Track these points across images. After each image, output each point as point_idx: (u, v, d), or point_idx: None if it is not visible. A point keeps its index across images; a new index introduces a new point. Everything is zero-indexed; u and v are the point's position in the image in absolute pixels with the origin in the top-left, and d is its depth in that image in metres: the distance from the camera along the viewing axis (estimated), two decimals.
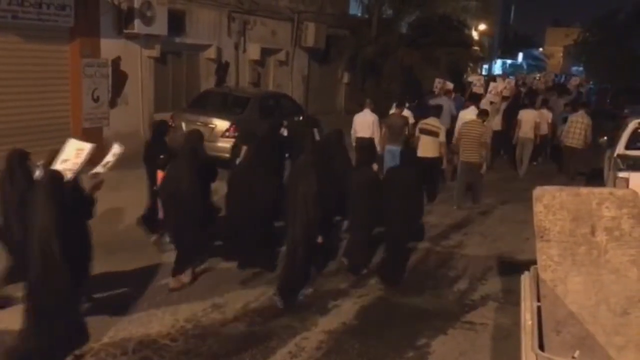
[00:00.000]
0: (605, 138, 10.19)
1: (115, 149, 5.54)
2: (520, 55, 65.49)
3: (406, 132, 9.98)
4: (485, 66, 40.77)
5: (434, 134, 9.40)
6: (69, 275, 4.42)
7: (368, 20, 18.89)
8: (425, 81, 17.99)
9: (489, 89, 14.85)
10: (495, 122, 12.17)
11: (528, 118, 12.29)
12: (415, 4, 19.02)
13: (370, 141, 9.02)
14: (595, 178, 10.60)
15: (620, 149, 8.99)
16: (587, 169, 11.84)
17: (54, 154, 5.09)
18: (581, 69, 49.00)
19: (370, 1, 18.97)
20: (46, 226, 4.33)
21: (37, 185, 4.72)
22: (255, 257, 6.51)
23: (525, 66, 61.52)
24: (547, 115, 13.15)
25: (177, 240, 6.13)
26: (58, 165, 4.99)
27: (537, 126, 12.32)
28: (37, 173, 5.25)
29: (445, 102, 12.73)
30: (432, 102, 12.94)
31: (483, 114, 9.97)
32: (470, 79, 18.36)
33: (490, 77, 22.62)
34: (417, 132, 9.74)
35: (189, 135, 6.94)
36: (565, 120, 12.52)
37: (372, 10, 18.91)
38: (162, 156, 6.56)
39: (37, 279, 4.36)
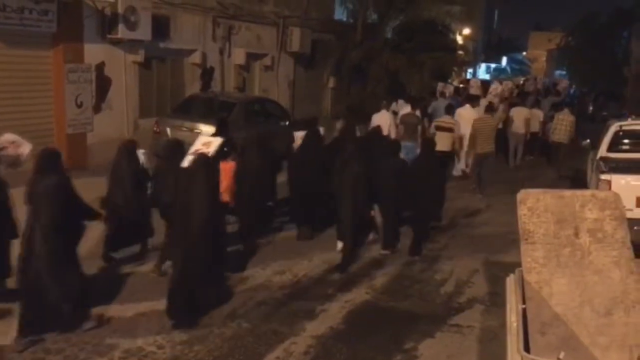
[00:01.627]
0: (588, 141, 10.31)
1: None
2: (505, 59, 66.12)
3: (419, 130, 11.33)
4: (470, 70, 41.12)
5: (448, 129, 10.76)
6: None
7: (353, 25, 18.97)
8: (410, 85, 18.12)
9: (489, 91, 16.91)
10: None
11: (519, 115, 13.57)
12: (399, 8, 19.12)
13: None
14: (578, 180, 10.73)
15: (602, 151, 9.09)
16: (572, 166, 12.24)
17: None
18: (564, 72, 49.64)
19: (355, 6, 19.05)
20: (204, 206, 5.37)
21: (193, 169, 5.63)
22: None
23: (509, 70, 62.09)
24: (538, 114, 14.41)
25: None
26: (190, 155, 6.10)
27: (527, 123, 13.56)
28: (142, 159, 6.70)
29: (443, 103, 13.71)
30: (434, 103, 14.26)
31: (490, 110, 12.03)
32: (471, 83, 19.97)
33: (484, 81, 24.51)
34: (432, 129, 11.17)
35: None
36: (552, 118, 13.87)
37: (357, 15, 18.99)
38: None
39: (192, 251, 5.34)
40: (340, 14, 20.15)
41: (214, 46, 14.34)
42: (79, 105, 10.75)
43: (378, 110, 12.04)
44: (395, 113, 12.42)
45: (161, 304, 5.43)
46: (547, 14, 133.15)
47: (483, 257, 7.63)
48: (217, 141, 6.51)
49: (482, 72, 54.91)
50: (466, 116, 11.64)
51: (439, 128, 10.93)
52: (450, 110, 11.68)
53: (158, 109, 12.78)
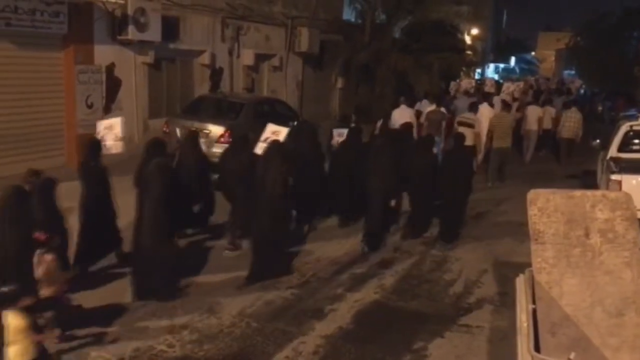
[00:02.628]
0: (598, 141, 10.25)
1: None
2: (513, 60, 65.87)
3: (443, 125, 12.15)
4: (478, 70, 41.01)
5: (470, 125, 11.47)
6: None
7: (361, 26, 18.95)
8: (418, 86, 18.08)
9: (502, 89, 18.57)
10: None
11: (532, 113, 14.23)
12: (408, 9, 19.06)
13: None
14: (588, 180, 10.67)
15: (612, 151, 9.04)
16: (581, 165, 12.35)
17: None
18: (573, 72, 49.36)
19: (364, 6, 19.03)
20: (279, 186, 6.28)
21: (269, 155, 6.59)
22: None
23: (517, 70, 61.88)
24: (551, 111, 15.06)
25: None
26: (262, 142, 7.21)
27: (540, 120, 14.19)
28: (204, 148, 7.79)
29: (463, 100, 14.95)
30: (456, 101, 15.38)
31: (507, 107, 13.05)
32: (487, 82, 21.59)
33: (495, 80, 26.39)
34: (455, 125, 11.86)
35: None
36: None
37: (365, 15, 18.97)
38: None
39: (268, 226, 6.32)
40: (348, 15, 20.14)
41: (223, 47, 14.38)
42: (90, 106, 10.82)
43: (397, 105, 12.60)
44: (419, 112, 12.96)
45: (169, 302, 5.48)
46: (557, 15, 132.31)
47: (492, 257, 7.61)
48: (285, 130, 7.54)
49: (491, 72, 54.70)
50: (485, 113, 12.28)
51: (461, 124, 11.61)
52: (473, 107, 12.38)
53: (167, 110, 12.84)
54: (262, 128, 8.76)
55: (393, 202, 7.84)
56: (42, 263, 4.39)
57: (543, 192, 3.75)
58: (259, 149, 7.21)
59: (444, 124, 12.34)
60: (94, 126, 10.77)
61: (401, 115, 11.79)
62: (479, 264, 7.40)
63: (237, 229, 7.21)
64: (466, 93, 17.02)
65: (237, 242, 7.19)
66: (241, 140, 7.64)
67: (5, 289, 3.67)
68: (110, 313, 5.45)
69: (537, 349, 3.19)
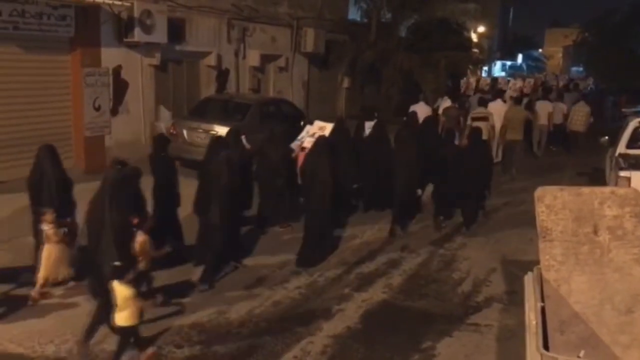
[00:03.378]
0: (607, 137, 10.19)
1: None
2: (520, 57, 65.56)
3: (460, 120, 12.87)
4: (485, 68, 40.86)
5: (485, 119, 12.10)
6: None
7: (367, 25, 18.91)
8: (425, 85, 18.03)
9: (509, 86, 20.34)
10: None
11: (543, 109, 14.79)
12: (413, 8, 19.00)
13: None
14: (596, 178, 10.60)
15: (621, 148, 8.98)
16: (590, 163, 12.39)
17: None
18: (581, 69, 49.07)
19: (369, 6, 18.98)
20: (328, 176, 7.02)
21: (318, 148, 7.29)
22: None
23: (525, 67, 61.59)
24: (562, 107, 15.61)
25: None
26: (309, 137, 7.95)
27: (550, 116, 14.72)
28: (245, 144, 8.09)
29: (477, 97, 15.62)
30: (471, 99, 16.58)
31: (519, 103, 14.16)
32: (499, 80, 23.44)
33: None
34: (469, 120, 12.48)
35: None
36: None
37: (371, 14, 18.93)
38: None
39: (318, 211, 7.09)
40: (354, 14, 20.10)
41: (229, 48, 14.40)
42: (97, 109, 10.88)
43: (416, 101, 13.48)
44: (438, 108, 13.73)
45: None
46: (565, 12, 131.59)
47: (500, 255, 7.58)
48: (330, 125, 8.31)
49: (498, 69, 54.50)
50: (498, 109, 12.82)
51: (475, 119, 12.25)
52: (482, 102, 13.20)
53: (174, 111, 12.88)
54: (268, 128, 8.88)
55: (420, 192, 8.56)
56: (139, 242, 5.11)
57: (551, 189, 3.72)
58: (307, 143, 8.03)
59: (461, 119, 13.07)
60: (101, 128, 10.97)
61: (420, 111, 12.21)
62: (487, 262, 7.37)
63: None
64: (481, 91, 18.51)
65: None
66: (280, 134, 8.29)
67: (116, 263, 4.52)
68: None
69: (546, 347, 3.17)
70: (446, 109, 13.14)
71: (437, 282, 6.75)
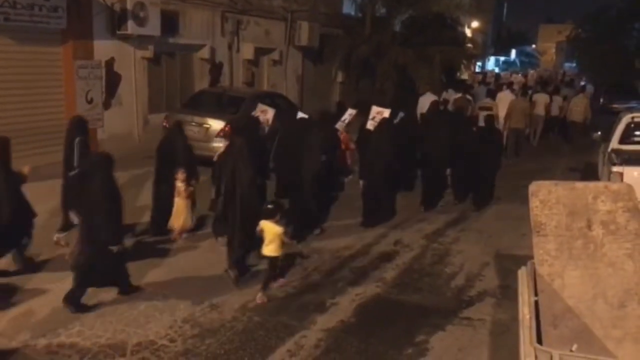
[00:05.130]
0: (599, 133, 10.23)
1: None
2: (514, 52, 65.70)
3: (469, 110, 13.52)
4: (479, 63, 40.90)
5: (490, 109, 13.05)
6: None
7: (361, 19, 18.88)
8: (419, 79, 18.02)
9: (512, 79, 22.25)
10: None
11: (540, 100, 16.01)
12: (408, 2, 18.97)
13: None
14: (589, 173, 10.65)
15: (614, 143, 9.02)
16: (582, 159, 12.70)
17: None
18: (574, 65, 49.23)
19: (364, 0, 18.95)
20: (390, 152, 8.26)
21: (379, 130, 8.58)
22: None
23: (518, 63, 61.74)
24: (557, 99, 16.87)
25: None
26: (370, 120, 9.18)
27: (547, 107, 16.07)
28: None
29: (481, 89, 17.61)
30: (474, 90, 17.59)
31: (524, 94, 15.67)
32: (502, 75, 25.99)
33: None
34: (476, 110, 13.65)
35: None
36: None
37: (365, 9, 18.88)
38: None
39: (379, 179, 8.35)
40: (348, 8, 20.05)
41: (223, 41, 14.34)
42: (90, 101, 10.81)
43: (423, 93, 14.58)
44: (446, 100, 13.91)
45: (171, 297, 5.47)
46: (559, 8, 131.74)
47: (493, 250, 7.60)
48: (388, 110, 9.36)
49: (491, 65, 54.58)
50: (505, 99, 14.45)
51: (482, 108, 13.42)
52: (490, 94, 14.94)
53: (167, 104, 12.82)
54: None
55: (448, 171, 9.45)
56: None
57: (545, 184, 3.73)
58: (370, 125, 9.09)
59: (470, 108, 13.79)
60: (94, 121, 10.89)
61: (428, 102, 13.15)
62: (481, 256, 7.39)
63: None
64: (482, 82, 20.15)
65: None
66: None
67: (269, 206, 5.84)
68: (112, 308, 5.46)
69: (540, 341, 3.18)
70: (456, 100, 14.10)
71: (431, 276, 6.77)
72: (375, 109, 9.42)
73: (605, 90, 25.36)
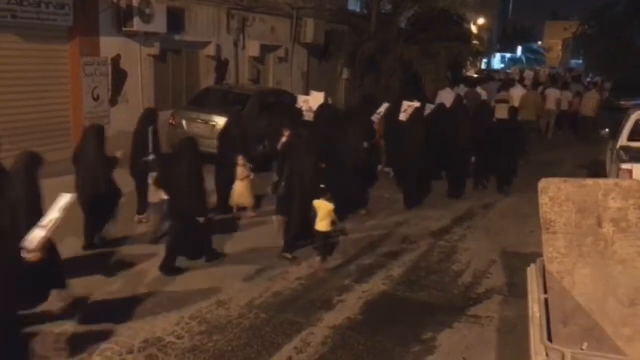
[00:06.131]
0: (607, 130, 10.16)
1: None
2: (520, 49, 65.42)
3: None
4: (485, 60, 40.76)
5: (506, 102, 14.55)
6: None
7: (367, 16, 18.80)
8: (425, 76, 17.96)
9: (524, 76, 24.63)
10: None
11: (551, 96, 17.09)
12: None
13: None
14: (597, 171, 10.59)
15: (623, 140, 8.95)
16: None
17: None
18: (580, 62, 48.98)
19: None
20: (423, 139, 8.95)
21: (412, 121, 9.42)
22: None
23: (524, 60, 61.46)
24: (567, 95, 17.83)
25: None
26: (403, 113, 10.24)
27: (558, 102, 16.99)
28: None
29: (492, 84, 19.95)
30: (486, 85, 19.19)
31: (536, 88, 17.29)
32: (512, 70, 28.96)
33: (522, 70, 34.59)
34: (493, 103, 14.79)
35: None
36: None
37: (371, 5, 18.81)
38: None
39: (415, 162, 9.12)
40: (354, 5, 19.99)
41: (229, 38, 14.32)
42: (96, 99, 10.82)
43: (443, 88, 15.66)
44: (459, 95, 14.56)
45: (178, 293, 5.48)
46: (565, 5, 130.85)
47: (501, 247, 7.57)
48: (418, 103, 10.28)
49: (497, 62, 54.40)
50: (518, 93, 15.83)
51: (499, 101, 14.69)
52: (504, 87, 16.55)
53: (173, 102, 12.81)
54: (268, 119, 9.07)
55: (473, 159, 10.11)
56: None
57: (554, 181, 3.70)
58: (403, 117, 9.93)
59: (480, 102, 14.47)
60: (100, 118, 10.91)
61: (447, 96, 13.84)
62: (488, 254, 7.36)
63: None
64: (492, 79, 23.09)
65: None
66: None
67: (322, 186, 6.63)
68: (120, 304, 5.47)
69: (550, 339, 3.16)
70: (469, 93, 15.44)
71: (438, 273, 6.74)
72: (406, 103, 10.27)
73: (613, 87, 25.20)
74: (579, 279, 3.49)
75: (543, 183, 3.71)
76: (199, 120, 10.72)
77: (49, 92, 10.27)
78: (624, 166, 7.64)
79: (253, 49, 15.02)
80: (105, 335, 4.91)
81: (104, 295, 5.63)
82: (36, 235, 4.17)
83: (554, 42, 71.13)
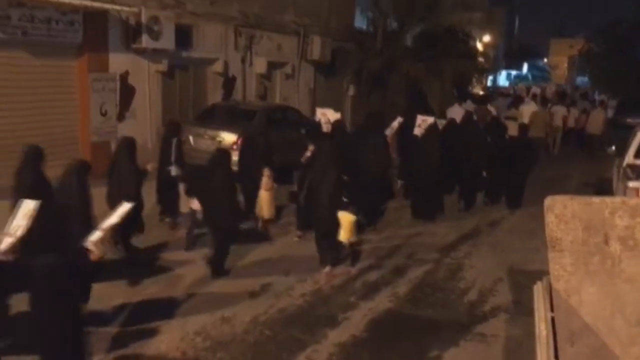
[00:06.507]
0: (614, 148, 10.12)
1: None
2: (525, 66, 65.56)
3: (488, 119, 14.29)
4: (491, 77, 40.88)
5: (515, 119, 15.12)
6: None
7: (373, 34, 18.94)
8: (431, 93, 18.03)
9: (531, 92, 25.80)
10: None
11: (558, 113, 17.50)
12: (420, 17, 19.04)
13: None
14: (603, 189, 10.54)
15: (629, 158, 8.90)
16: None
17: None
18: (586, 79, 49.01)
19: (375, 14, 19.02)
20: (438, 154, 9.22)
21: (427, 136, 9.61)
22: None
23: (530, 77, 61.56)
24: (574, 112, 18.34)
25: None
26: (417, 128, 10.27)
27: (565, 119, 17.43)
28: None
29: (501, 100, 21.02)
30: (495, 102, 20.32)
31: (545, 105, 17.84)
32: (519, 86, 29.99)
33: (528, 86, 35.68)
34: (502, 119, 14.30)
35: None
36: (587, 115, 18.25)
37: (377, 23, 18.96)
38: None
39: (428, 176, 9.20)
40: (360, 23, 20.14)
41: (236, 55, 14.44)
42: (104, 114, 10.91)
43: (449, 105, 16.17)
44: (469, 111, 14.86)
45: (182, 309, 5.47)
46: (570, 22, 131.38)
47: (507, 265, 7.53)
48: (431, 118, 10.29)
49: (503, 78, 54.50)
50: (528, 109, 16.35)
51: (508, 118, 14.94)
52: (512, 105, 17.43)
53: (181, 117, 12.87)
54: (275, 135, 9.12)
55: (484, 173, 10.29)
56: None
57: (560, 198, 3.68)
58: (417, 132, 10.08)
59: (488, 118, 14.73)
60: (107, 134, 10.99)
61: (457, 112, 14.03)
62: (494, 271, 7.32)
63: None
64: (501, 95, 24.47)
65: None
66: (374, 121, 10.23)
67: (345, 199, 6.83)
68: (124, 314, 5.46)
69: (556, 358, 3.13)
70: (478, 109, 15.78)
71: (444, 290, 6.71)
72: (420, 117, 10.47)
73: (618, 105, 25.17)
74: (586, 297, 3.46)
75: (549, 200, 3.69)
76: (206, 136, 10.77)
77: (57, 107, 10.36)
78: (631, 184, 7.60)
79: (260, 65, 15.13)
80: (108, 350, 4.90)
81: (104, 306, 5.62)
82: (95, 237, 4.34)
83: (559, 59, 71.24)
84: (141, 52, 11.53)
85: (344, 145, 8.80)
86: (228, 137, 10.63)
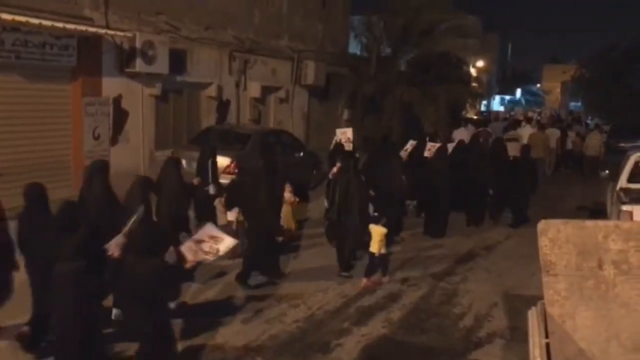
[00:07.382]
0: (607, 172, 10.14)
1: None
2: (519, 91, 66.20)
3: (490, 141, 14.64)
4: (484, 102, 41.24)
5: (515, 140, 15.66)
6: None
7: (367, 59, 19.10)
8: (425, 117, 18.11)
9: (529, 116, 25.08)
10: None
11: (553, 135, 17.86)
12: (414, 42, 19.22)
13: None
14: (598, 212, 10.52)
15: (622, 182, 8.91)
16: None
17: None
18: (579, 104, 49.49)
19: (369, 40, 19.21)
20: (447, 175, 10.02)
21: (436, 159, 10.34)
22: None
23: (523, 102, 62.16)
24: (570, 135, 18.90)
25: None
26: (428, 151, 11.04)
27: (559, 141, 17.86)
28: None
29: (497, 124, 22.00)
30: (491, 125, 21.61)
31: (543, 128, 18.23)
32: (516, 111, 31.60)
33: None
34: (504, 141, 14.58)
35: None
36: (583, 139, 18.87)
37: (371, 48, 19.13)
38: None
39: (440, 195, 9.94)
40: (354, 48, 20.33)
41: (230, 79, 14.50)
42: (97, 138, 10.87)
43: (458, 127, 17.63)
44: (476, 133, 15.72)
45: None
46: (563, 49, 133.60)
47: (502, 290, 7.45)
48: (439, 143, 11.14)
49: (497, 103, 54.97)
50: (525, 132, 17.07)
51: (509, 140, 15.10)
52: (512, 127, 18.56)
53: (174, 141, 12.88)
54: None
55: (491, 191, 10.67)
56: None
57: (554, 223, 3.65)
58: (427, 154, 10.81)
59: (490, 140, 14.88)
60: (100, 157, 10.91)
61: (462, 135, 15.18)
62: (489, 296, 7.24)
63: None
64: (496, 119, 25.43)
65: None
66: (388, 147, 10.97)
67: (375, 214, 7.57)
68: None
69: None
70: (481, 131, 16.49)
71: (438, 316, 6.61)
72: (430, 144, 11.29)
73: (611, 129, 25.36)
74: (581, 322, 3.40)
75: (542, 224, 3.66)
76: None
77: (50, 130, 10.32)
78: (624, 208, 7.59)
79: (254, 89, 15.20)
80: None
81: None
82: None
83: (552, 84, 71.97)
84: (135, 76, 11.55)
85: (369, 164, 9.89)
86: (222, 161, 10.57)
